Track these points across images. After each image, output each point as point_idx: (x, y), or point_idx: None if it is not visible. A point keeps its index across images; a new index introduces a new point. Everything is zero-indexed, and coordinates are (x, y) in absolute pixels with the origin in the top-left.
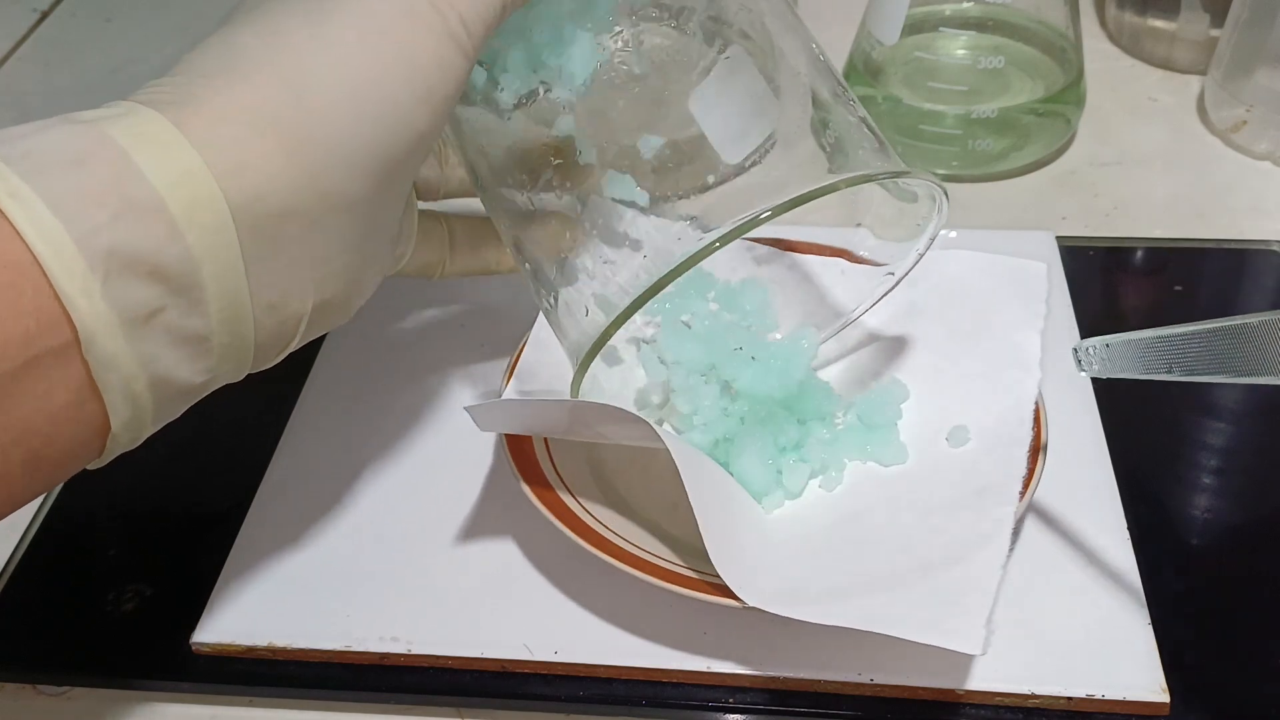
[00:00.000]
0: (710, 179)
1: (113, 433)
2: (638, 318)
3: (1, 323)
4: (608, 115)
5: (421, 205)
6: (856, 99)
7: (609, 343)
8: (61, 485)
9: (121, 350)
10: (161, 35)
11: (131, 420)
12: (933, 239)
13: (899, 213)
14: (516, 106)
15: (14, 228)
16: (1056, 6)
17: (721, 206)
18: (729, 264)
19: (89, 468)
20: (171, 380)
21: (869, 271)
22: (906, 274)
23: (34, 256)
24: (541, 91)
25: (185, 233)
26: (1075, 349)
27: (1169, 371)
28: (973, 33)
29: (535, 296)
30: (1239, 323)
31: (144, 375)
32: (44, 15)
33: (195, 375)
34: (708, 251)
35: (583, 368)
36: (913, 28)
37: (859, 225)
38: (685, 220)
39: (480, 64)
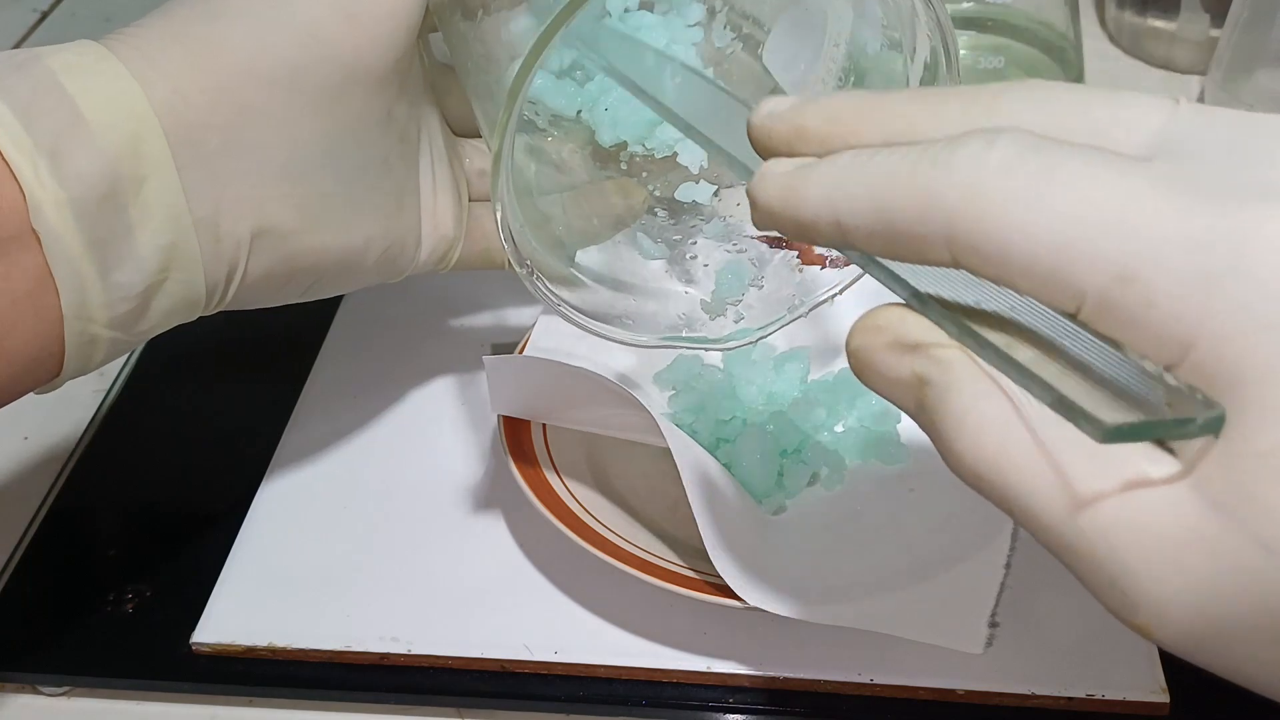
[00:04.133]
0: None
1: (65, 318)
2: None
3: None
4: None
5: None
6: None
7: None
8: (62, 485)
9: (67, 225)
10: None
11: (82, 309)
12: None
13: None
14: None
15: None
16: (1056, 6)
17: None
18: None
19: (50, 386)
20: (118, 272)
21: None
22: None
23: None
24: None
25: (111, 126)
26: None
27: None
28: (973, 33)
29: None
30: None
31: (90, 257)
32: (44, 15)
33: (140, 274)
34: None
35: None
36: None
37: None
38: None
39: None
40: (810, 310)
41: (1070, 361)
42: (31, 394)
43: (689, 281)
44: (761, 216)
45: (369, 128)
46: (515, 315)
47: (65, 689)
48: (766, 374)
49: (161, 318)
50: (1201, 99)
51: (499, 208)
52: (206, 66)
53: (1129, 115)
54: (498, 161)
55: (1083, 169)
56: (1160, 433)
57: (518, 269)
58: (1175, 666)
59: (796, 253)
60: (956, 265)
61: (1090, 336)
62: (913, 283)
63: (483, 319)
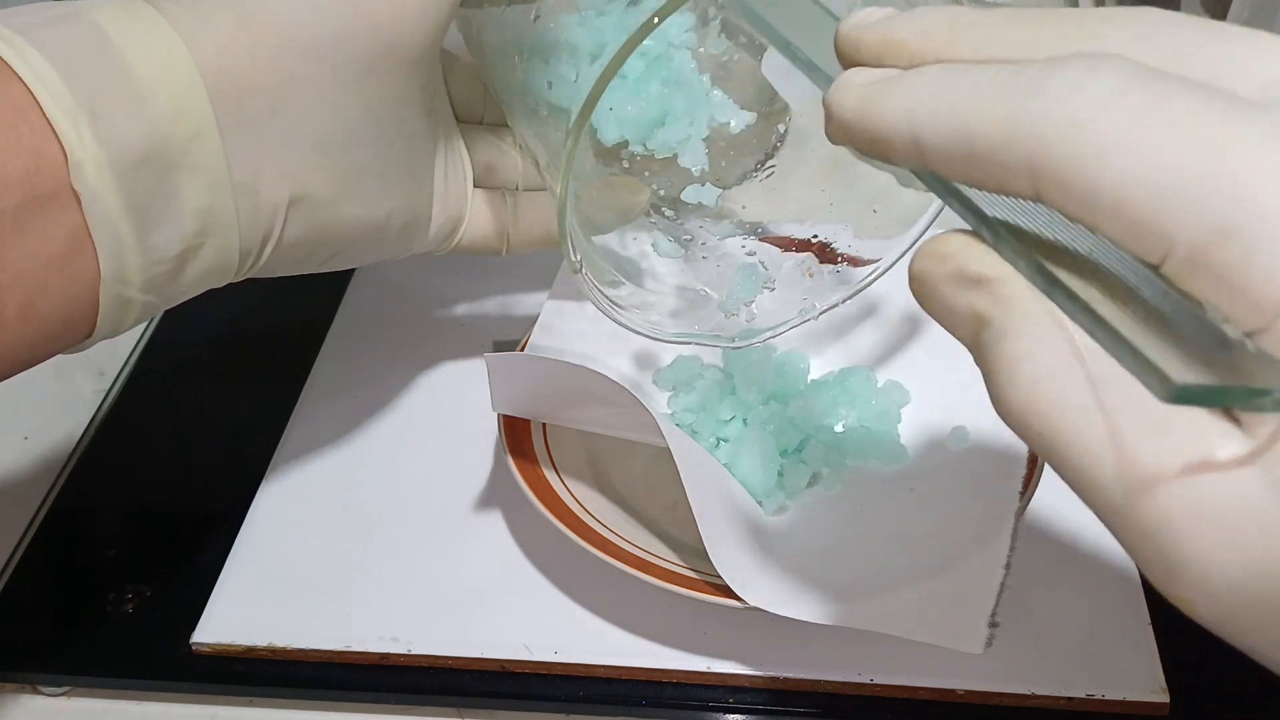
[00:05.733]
0: None
1: (103, 280)
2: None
3: (3, 159)
4: None
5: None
6: None
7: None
8: (62, 485)
9: (108, 185)
10: None
11: (120, 272)
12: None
13: (886, 206)
14: None
15: (12, 70)
16: (1057, 7)
17: None
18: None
19: (80, 347)
20: (156, 234)
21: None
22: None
23: (32, 96)
24: None
25: (157, 86)
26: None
27: None
28: None
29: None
30: None
31: (129, 219)
32: None
33: (178, 238)
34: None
35: (575, 132)
36: None
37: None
38: None
39: None
40: (821, 314)
41: (1145, 314)
42: (36, 390)
43: (704, 281)
44: (835, 129)
45: (403, 102)
46: (516, 314)
47: (65, 689)
48: (766, 374)
49: (194, 282)
50: None
51: (566, 206)
52: (252, 32)
53: (1249, 55)
54: (569, 161)
55: (1190, 109)
56: (1232, 400)
57: (570, 260)
58: (1175, 666)
59: (808, 254)
60: (1038, 198)
61: (1171, 291)
62: (986, 211)
63: (483, 318)
